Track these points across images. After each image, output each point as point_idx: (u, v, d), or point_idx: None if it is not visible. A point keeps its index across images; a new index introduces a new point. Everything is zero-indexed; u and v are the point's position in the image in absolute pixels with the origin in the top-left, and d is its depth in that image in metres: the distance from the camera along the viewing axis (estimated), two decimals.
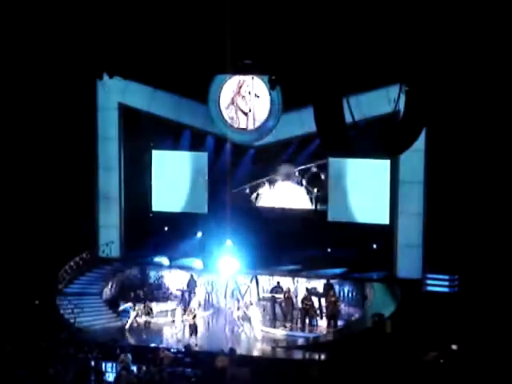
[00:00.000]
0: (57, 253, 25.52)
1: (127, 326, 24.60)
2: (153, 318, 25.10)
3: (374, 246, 25.08)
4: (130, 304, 25.08)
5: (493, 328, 21.04)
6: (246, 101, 25.92)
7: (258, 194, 27.58)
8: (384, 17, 18.31)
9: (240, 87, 25.86)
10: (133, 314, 24.74)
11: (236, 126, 26.05)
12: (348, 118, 18.11)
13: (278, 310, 25.20)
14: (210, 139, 26.96)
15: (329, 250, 25.37)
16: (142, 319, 24.87)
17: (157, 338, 23.82)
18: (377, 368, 17.56)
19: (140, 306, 24.94)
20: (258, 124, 25.95)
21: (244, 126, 26.05)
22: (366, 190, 25.25)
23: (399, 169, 24.37)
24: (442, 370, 17.39)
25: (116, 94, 26.55)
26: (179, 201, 27.44)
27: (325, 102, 17.69)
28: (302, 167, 26.70)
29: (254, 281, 26.19)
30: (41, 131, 26.00)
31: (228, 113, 26.02)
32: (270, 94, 25.36)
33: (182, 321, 24.18)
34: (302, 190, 26.82)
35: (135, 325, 24.72)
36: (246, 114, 26.02)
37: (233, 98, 25.97)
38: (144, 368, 18.06)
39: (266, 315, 25.54)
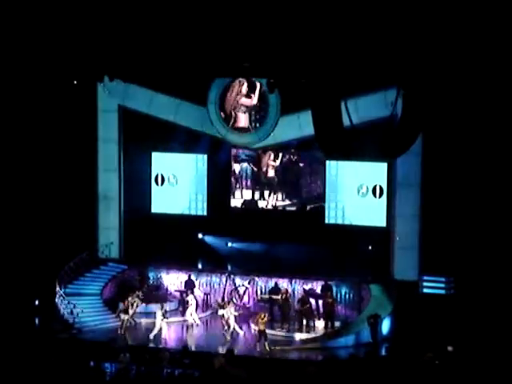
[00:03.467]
0: (57, 253, 25.64)
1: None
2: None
3: (371, 247, 25.21)
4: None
5: (488, 329, 21.15)
6: (249, 100, 26.14)
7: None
8: (381, 21, 18.43)
9: (246, 87, 26.11)
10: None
11: (237, 125, 26.24)
12: (346, 122, 18.32)
13: (275, 311, 25.34)
14: (209, 141, 27.13)
15: (326, 251, 25.47)
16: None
17: (156, 338, 23.91)
18: (373, 368, 17.66)
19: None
20: (257, 126, 26.21)
21: (245, 125, 26.25)
22: (363, 192, 25.46)
23: (396, 171, 24.58)
24: (437, 371, 17.47)
25: (116, 96, 26.72)
26: (179, 203, 27.63)
27: (323, 106, 17.89)
28: None
29: (252, 282, 26.33)
30: (42, 133, 26.11)
31: (230, 113, 26.25)
32: (269, 97, 25.58)
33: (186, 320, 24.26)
34: None
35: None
36: (247, 112, 26.25)
37: (237, 100, 26.21)
38: (143, 368, 18.15)
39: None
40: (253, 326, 24.04)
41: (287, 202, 27.07)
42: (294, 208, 26.85)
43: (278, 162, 26.89)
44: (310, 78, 18.25)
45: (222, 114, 26.28)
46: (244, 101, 26.15)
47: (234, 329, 23.67)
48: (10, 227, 25.90)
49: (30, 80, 25.04)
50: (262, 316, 23.02)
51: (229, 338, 23.49)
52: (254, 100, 25.99)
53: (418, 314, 22.94)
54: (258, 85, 25.72)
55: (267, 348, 22.50)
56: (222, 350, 21.22)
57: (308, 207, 26.92)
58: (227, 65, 23.03)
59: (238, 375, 17.02)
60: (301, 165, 26.81)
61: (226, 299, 25.75)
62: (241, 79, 25.93)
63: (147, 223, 27.25)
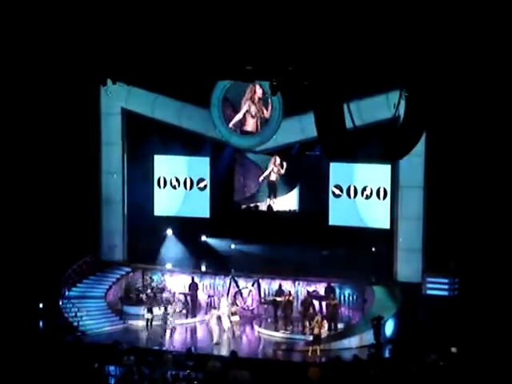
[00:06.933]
0: (60, 256, 25.68)
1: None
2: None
3: (374, 249, 25.21)
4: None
5: (492, 331, 21.18)
6: (258, 104, 26.17)
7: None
8: (384, 22, 18.43)
9: (253, 92, 26.12)
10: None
11: (245, 129, 26.27)
12: (349, 124, 18.31)
13: (279, 313, 25.34)
14: (211, 144, 27.14)
15: (329, 253, 25.49)
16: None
17: (160, 340, 23.92)
18: (377, 370, 17.69)
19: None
20: (260, 129, 26.23)
21: (253, 129, 26.28)
22: (366, 194, 25.46)
23: (399, 173, 24.58)
24: (441, 372, 17.51)
25: (119, 99, 26.71)
26: (181, 205, 27.63)
27: (326, 108, 17.87)
28: None
29: (256, 284, 26.35)
30: (45, 136, 26.15)
31: (239, 118, 26.32)
32: (271, 100, 25.58)
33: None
34: None
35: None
36: (255, 117, 26.28)
37: (244, 103, 26.22)
38: (147, 371, 18.18)
39: (268, 318, 25.73)
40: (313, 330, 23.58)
41: None
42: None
43: (283, 170, 27.08)
44: (312, 80, 18.23)
45: (231, 116, 26.29)
46: (253, 108, 26.22)
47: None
48: (14, 230, 25.94)
49: (33, 83, 25.05)
50: (320, 320, 23.08)
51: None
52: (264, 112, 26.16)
53: (422, 315, 22.96)
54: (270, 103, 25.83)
55: (313, 351, 22.51)
56: None
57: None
58: (230, 67, 23.03)
59: (242, 377, 17.08)
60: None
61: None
62: (252, 86, 25.94)
63: (150, 226, 27.27)
